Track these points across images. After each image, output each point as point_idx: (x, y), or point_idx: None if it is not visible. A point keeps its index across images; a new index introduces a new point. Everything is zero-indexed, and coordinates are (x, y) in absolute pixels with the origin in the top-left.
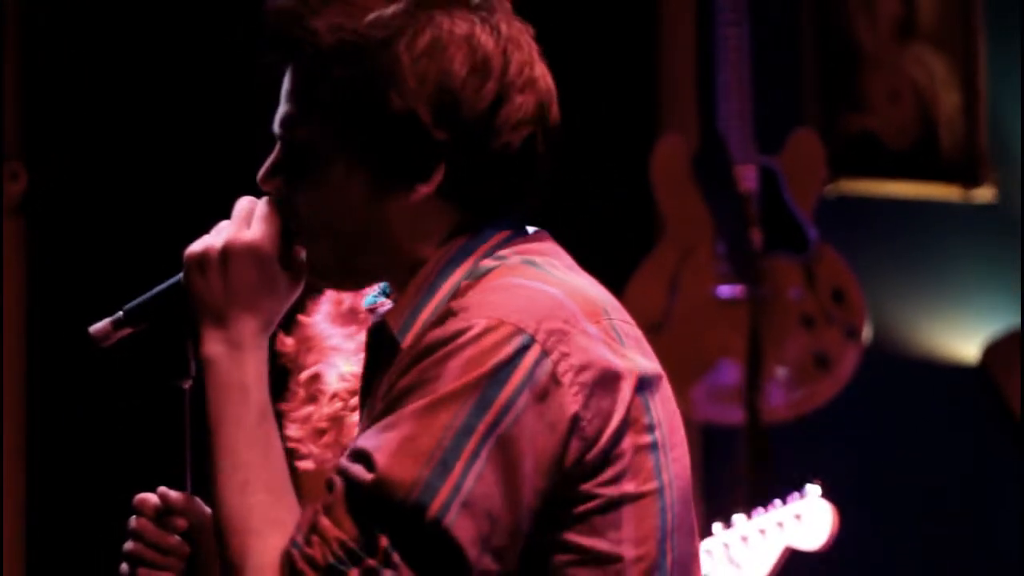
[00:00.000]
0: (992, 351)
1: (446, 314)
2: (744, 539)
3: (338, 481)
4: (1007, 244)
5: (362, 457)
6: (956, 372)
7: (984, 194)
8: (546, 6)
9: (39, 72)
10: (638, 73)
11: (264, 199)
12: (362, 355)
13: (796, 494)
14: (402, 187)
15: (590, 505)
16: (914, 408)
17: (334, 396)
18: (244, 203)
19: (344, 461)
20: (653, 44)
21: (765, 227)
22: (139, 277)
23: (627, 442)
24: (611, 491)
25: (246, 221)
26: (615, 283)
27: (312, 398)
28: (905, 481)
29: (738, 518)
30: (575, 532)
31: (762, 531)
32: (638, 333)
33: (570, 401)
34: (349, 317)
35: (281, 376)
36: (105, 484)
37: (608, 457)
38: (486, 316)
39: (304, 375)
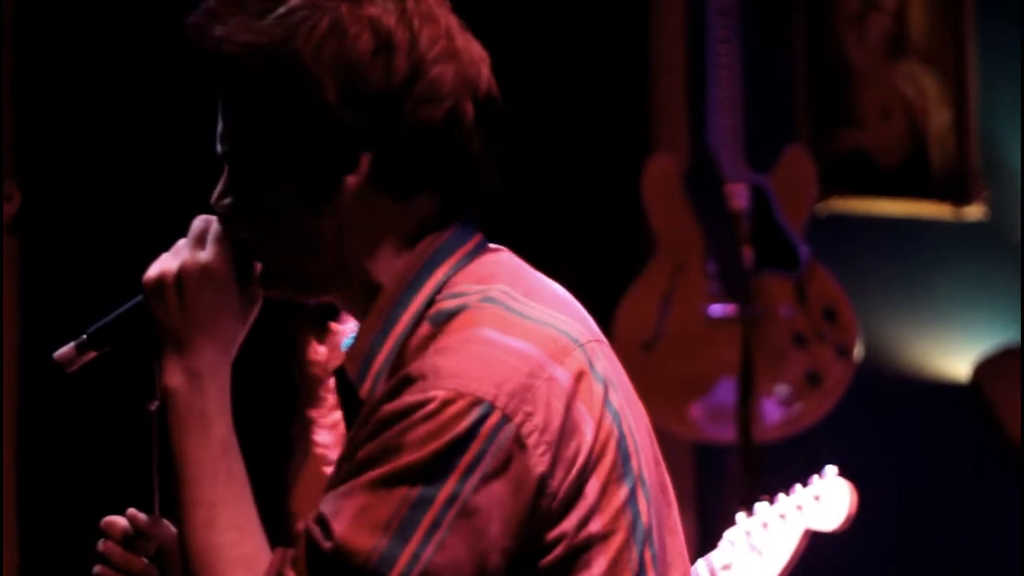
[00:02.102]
0: (983, 369)
1: (404, 380)
2: (765, 525)
3: (302, 537)
4: (998, 262)
5: (321, 522)
6: (947, 390)
7: (975, 212)
8: (536, 25)
9: (32, 93)
10: (629, 91)
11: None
12: None
13: (816, 476)
14: (332, 182)
15: (556, 552)
16: (905, 425)
17: None
18: (198, 223)
19: (308, 519)
20: (644, 62)
21: (756, 245)
22: (133, 296)
23: (592, 484)
24: (577, 535)
25: (200, 242)
26: (607, 302)
27: (340, 405)
28: (896, 498)
29: (760, 505)
30: None
31: (782, 516)
32: (607, 348)
33: (536, 462)
34: None
35: (314, 384)
36: (73, 506)
37: (571, 503)
38: (444, 387)
39: (333, 381)
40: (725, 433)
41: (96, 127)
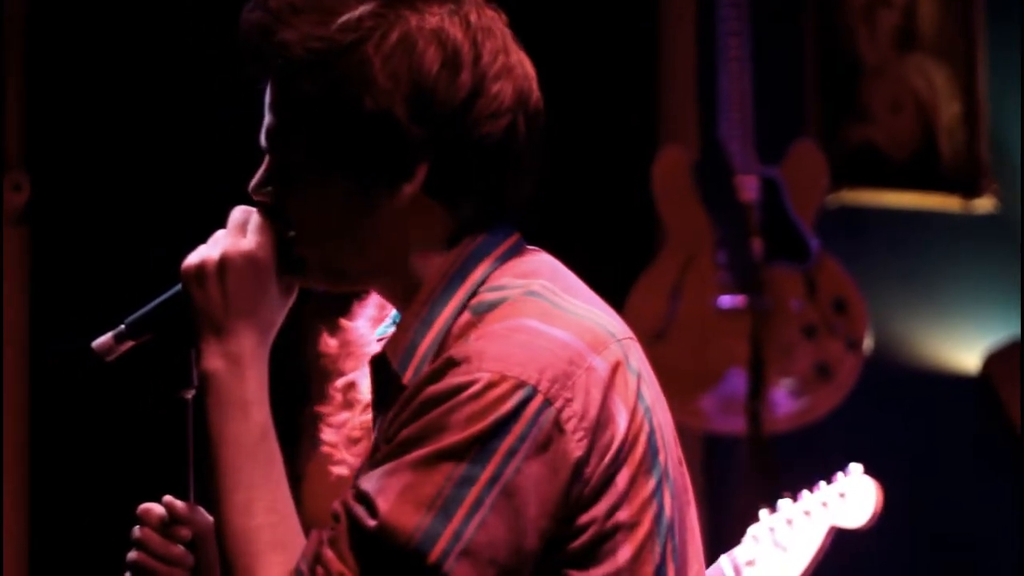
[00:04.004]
0: (992, 361)
1: (448, 363)
2: (789, 522)
3: (343, 516)
4: (1007, 254)
5: (364, 500)
6: (956, 382)
7: (984, 204)
8: (547, 18)
9: (42, 83)
10: (639, 83)
11: (257, 208)
12: None
13: (840, 473)
14: (387, 188)
15: (584, 538)
16: (915, 417)
17: (367, 406)
18: (238, 213)
19: (348, 498)
20: (654, 54)
21: (766, 237)
22: (142, 287)
23: (623, 473)
24: (605, 522)
25: (241, 231)
26: (617, 293)
27: (348, 405)
28: (905, 490)
29: (783, 502)
30: (569, 565)
31: (807, 512)
32: (639, 348)
33: (574, 447)
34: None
35: (322, 377)
36: (108, 494)
37: (602, 490)
38: (488, 370)
39: (341, 382)
40: (735, 425)
41: (106, 117)
